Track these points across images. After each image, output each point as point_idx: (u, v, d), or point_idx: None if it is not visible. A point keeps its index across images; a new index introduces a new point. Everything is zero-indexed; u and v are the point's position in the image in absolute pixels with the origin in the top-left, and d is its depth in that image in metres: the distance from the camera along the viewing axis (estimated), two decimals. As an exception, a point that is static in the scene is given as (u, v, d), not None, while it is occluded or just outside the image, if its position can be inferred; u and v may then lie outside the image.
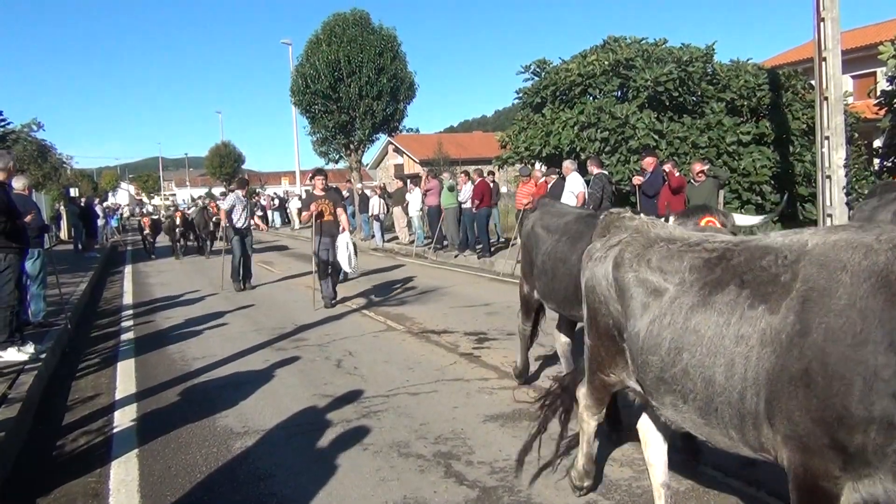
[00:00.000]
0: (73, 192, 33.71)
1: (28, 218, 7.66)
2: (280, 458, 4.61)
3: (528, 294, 5.84)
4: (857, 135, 15.90)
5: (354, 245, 10.76)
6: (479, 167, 18.81)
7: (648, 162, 11.19)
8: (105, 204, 40.04)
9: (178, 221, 21.67)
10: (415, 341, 8.13)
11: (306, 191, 14.58)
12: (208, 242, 21.59)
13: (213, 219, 20.32)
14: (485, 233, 15.88)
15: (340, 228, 10.65)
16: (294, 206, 34.08)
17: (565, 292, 4.90)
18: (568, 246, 4.98)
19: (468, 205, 15.92)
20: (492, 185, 16.76)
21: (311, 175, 11.44)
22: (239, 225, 12.85)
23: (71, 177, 51.07)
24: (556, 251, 5.15)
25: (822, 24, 11.01)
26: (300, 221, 13.29)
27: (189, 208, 26.43)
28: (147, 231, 22.18)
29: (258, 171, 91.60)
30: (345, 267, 10.50)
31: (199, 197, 28.40)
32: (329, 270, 10.59)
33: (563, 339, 5.73)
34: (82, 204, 25.41)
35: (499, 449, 4.64)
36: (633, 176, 11.96)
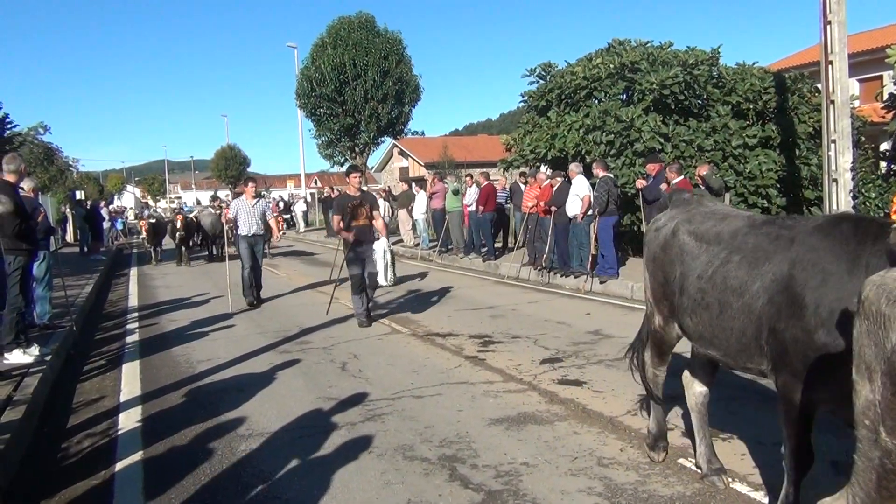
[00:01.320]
0: (79, 194, 33.91)
1: (39, 218, 7.75)
2: (284, 460, 4.60)
3: (665, 329, 4.27)
4: (863, 138, 15.83)
5: (392, 253, 9.55)
6: (485, 170, 18.80)
7: (651, 167, 11.18)
8: (111, 207, 40.10)
9: (178, 225, 19.80)
10: (419, 344, 8.12)
11: (338, 190, 13.37)
12: (217, 249, 20.46)
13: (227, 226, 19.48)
14: (490, 236, 15.87)
15: (376, 234, 9.47)
16: (299, 209, 34.14)
17: (741, 337, 3.51)
18: (745, 269, 3.51)
19: (473, 208, 15.91)
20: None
21: (346, 172, 9.85)
22: (243, 232, 11.32)
23: (77, 179, 51.31)
24: (724, 276, 3.62)
25: (828, 27, 10.98)
26: (335, 226, 10.21)
27: (192, 212, 24.48)
28: (144, 236, 20.88)
29: (263, 173, 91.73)
30: (380, 279, 9.26)
31: (214, 200, 27.63)
32: (364, 284, 9.24)
33: (697, 389, 4.36)
34: (88, 206, 25.50)
35: (504, 452, 4.62)
36: (637, 179, 11.93)
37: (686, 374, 4.45)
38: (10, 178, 7.25)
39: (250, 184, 11.89)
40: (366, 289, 9.29)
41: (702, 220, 3.97)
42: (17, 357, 6.90)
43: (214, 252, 20.88)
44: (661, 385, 4.50)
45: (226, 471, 4.47)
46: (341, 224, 9.28)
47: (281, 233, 12.48)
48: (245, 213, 11.38)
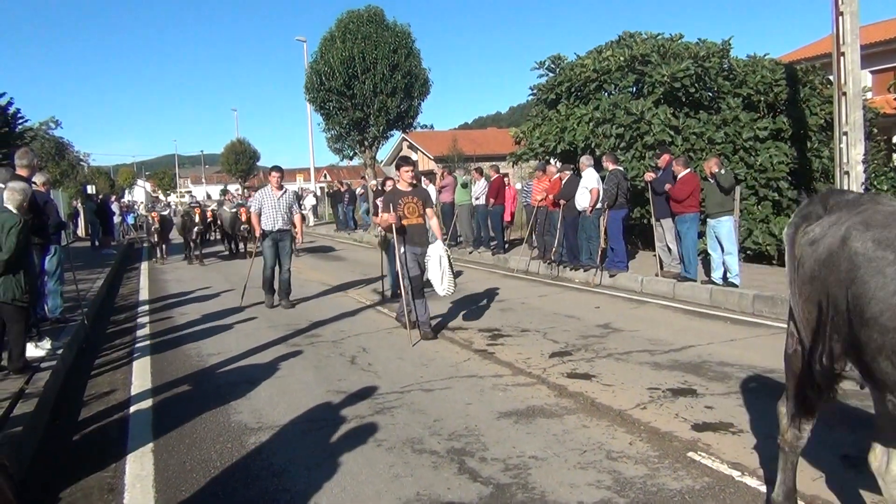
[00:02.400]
0: (90, 189, 34.07)
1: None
2: (294, 453, 4.62)
3: (818, 363, 3.13)
4: (875, 130, 15.72)
5: (450, 259, 8.14)
6: (495, 163, 18.77)
7: (664, 159, 11.14)
8: (122, 201, 40.30)
9: (196, 219, 18.13)
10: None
11: (385, 180, 11.88)
12: (237, 245, 19.76)
13: (243, 225, 17.96)
14: (499, 229, 15.85)
15: (432, 236, 8.33)
16: (309, 202, 34.18)
17: None
18: None
19: (482, 201, 15.89)
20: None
21: (396, 164, 8.59)
22: (267, 227, 10.31)
23: (88, 174, 51.62)
24: None
25: (840, 18, 10.88)
26: (378, 225, 9.63)
27: (210, 206, 22.19)
28: (157, 227, 18.79)
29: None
30: (437, 288, 8.00)
31: (225, 194, 27.03)
32: (421, 287, 8.19)
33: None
34: (99, 201, 25.62)
35: (512, 446, 4.62)
36: (646, 172, 11.89)
37: (877, 450, 3.22)
38: (23, 172, 7.37)
39: (275, 173, 10.61)
40: (415, 295, 8.11)
41: (887, 222, 2.90)
42: (29, 350, 6.95)
43: (234, 248, 19.95)
44: (799, 450, 3.48)
45: (236, 463, 4.49)
46: (389, 219, 8.03)
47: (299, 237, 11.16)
48: (270, 205, 10.33)
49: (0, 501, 3.02)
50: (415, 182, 8.29)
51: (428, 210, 8.26)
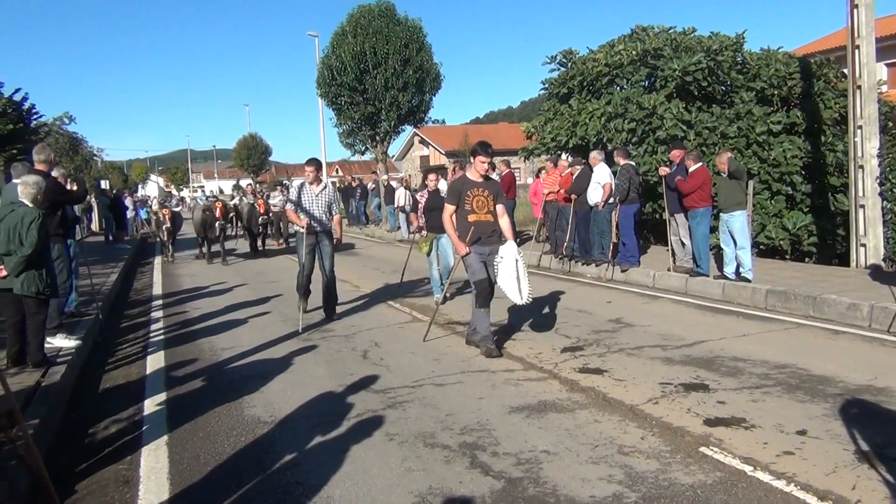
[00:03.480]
0: (104, 184, 34.28)
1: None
2: (307, 446, 4.65)
3: None
4: (890, 124, 15.54)
5: (523, 263, 7.07)
6: (506, 158, 18.76)
7: (676, 154, 11.09)
8: (136, 195, 40.55)
9: (217, 214, 16.44)
10: (440, 332, 8.14)
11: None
12: (256, 241, 18.59)
13: (260, 218, 17.53)
14: (510, 223, 15.79)
15: (501, 236, 7.15)
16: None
17: None
18: None
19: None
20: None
21: (472, 150, 7.32)
22: (306, 227, 8.76)
23: (102, 169, 51.97)
24: None
25: (855, 10, 10.80)
26: (443, 218, 7.25)
27: (234, 200, 19.82)
28: (168, 225, 17.58)
29: (285, 162, 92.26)
30: (513, 296, 6.89)
31: (237, 189, 26.30)
32: (489, 294, 7.07)
33: None
34: (112, 196, 25.77)
35: (524, 440, 4.63)
36: (660, 167, 11.85)
37: None
38: (42, 167, 7.53)
39: (309, 167, 8.96)
40: (480, 303, 7.04)
41: None
42: (60, 341, 7.06)
43: (255, 246, 18.55)
44: None
45: (249, 457, 4.53)
46: (452, 217, 7.03)
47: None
48: (308, 202, 8.87)
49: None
50: (488, 173, 7.18)
51: (498, 206, 7.08)
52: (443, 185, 10.87)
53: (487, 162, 7.03)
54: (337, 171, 65.70)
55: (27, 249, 5.83)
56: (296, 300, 9.20)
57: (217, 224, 16.50)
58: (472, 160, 7.23)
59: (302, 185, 9.11)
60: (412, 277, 12.00)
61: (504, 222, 7.16)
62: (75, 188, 9.54)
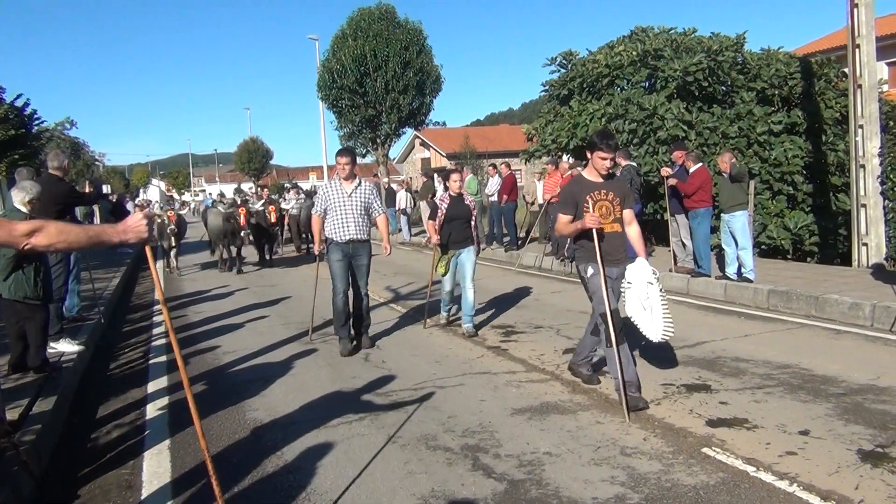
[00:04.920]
0: (106, 188, 34.31)
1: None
2: (308, 450, 4.65)
3: None
4: (892, 123, 15.54)
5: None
6: (507, 160, 18.77)
7: (678, 155, 11.09)
8: (137, 200, 40.60)
9: (241, 221, 14.71)
10: (442, 335, 8.14)
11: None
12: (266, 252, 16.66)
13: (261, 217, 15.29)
14: (512, 226, 15.84)
15: (628, 251, 5.58)
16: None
17: None
18: None
19: (495, 198, 15.90)
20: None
21: (589, 142, 5.56)
22: (336, 236, 7.26)
23: (103, 174, 52.03)
24: None
25: (855, 10, 10.80)
26: (561, 232, 5.68)
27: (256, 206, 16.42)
28: (174, 227, 15.37)
29: (286, 166, 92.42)
30: (646, 330, 5.29)
31: (238, 193, 24.85)
32: (618, 328, 5.23)
33: None
34: (114, 200, 25.78)
35: (526, 442, 4.63)
36: (662, 167, 11.84)
37: None
38: (56, 174, 7.64)
39: (341, 158, 7.32)
40: (617, 339, 5.18)
41: None
42: (64, 346, 7.08)
43: (265, 256, 16.57)
44: None
45: (251, 460, 4.52)
46: (573, 226, 5.43)
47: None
48: (338, 204, 7.28)
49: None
50: (611, 170, 5.57)
51: (626, 212, 5.49)
52: (440, 190, 10.45)
53: (610, 158, 5.42)
54: (589, 152, 65.66)
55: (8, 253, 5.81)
56: (302, 306, 9.06)
57: (242, 233, 14.75)
58: (588, 155, 5.56)
59: (331, 185, 7.48)
60: (413, 280, 11.99)
61: (633, 231, 5.56)
62: (90, 190, 9.76)
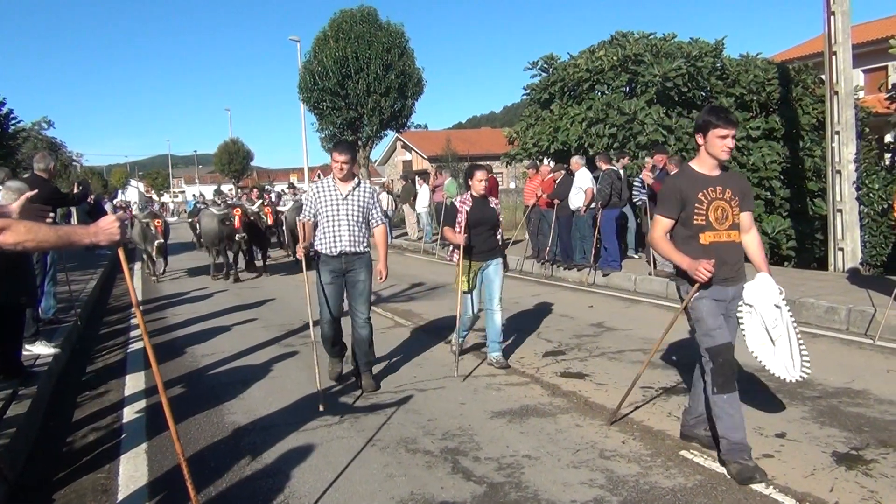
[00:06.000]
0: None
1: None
2: (288, 453, 4.62)
3: None
4: (867, 129, 15.78)
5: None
6: (488, 163, 18.81)
7: (659, 158, 11.19)
8: (115, 201, 40.22)
9: (236, 223, 13.56)
10: (423, 337, 8.13)
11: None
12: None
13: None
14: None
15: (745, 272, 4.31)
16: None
17: None
18: None
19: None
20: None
21: (700, 123, 4.19)
22: (326, 248, 5.90)
23: (81, 174, 51.46)
24: None
25: (832, 17, 10.94)
26: (657, 247, 4.31)
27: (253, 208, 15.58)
28: (160, 241, 13.73)
29: (267, 167, 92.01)
30: (778, 369, 4.25)
31: (219, 195, 24.39)
32: (733, 372, 4.10)
33: None
34: (91, 201, 25.51)
35: (506, 445, 4.64)
36: (644, 171, 11.93)
37: None
38: (42, 175, 7.64)
39: (339, 155, 5.82)
40: (725, 387, 4.05)
41: None
42: (40, 348, 7.00)
43: (260, 261, 15.47)
44: None
45: (229, 464, 4.49)
46: (676, 255, 4.19)
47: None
48: (331, 208, 5.90)
49: None
50: (726, 162, 4.28)
51: (744, 215, 4.25)
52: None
53: (731, 136, 4.08)
54: (319, 176, 65.55)
55: None
56: (284, 309, 9.05)
57: (238, 237, 13.70)
58: (700, 140, 4.20)
59: (322, 184, 6.04)
60: (393, 282, 11.97)
61: (753, 240, 4.33)
62: (78, 189, 9.75)
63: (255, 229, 14.83)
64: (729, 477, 3.97)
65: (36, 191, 7.51)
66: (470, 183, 6.73)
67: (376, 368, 6.52)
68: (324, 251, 5.93)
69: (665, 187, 4.37)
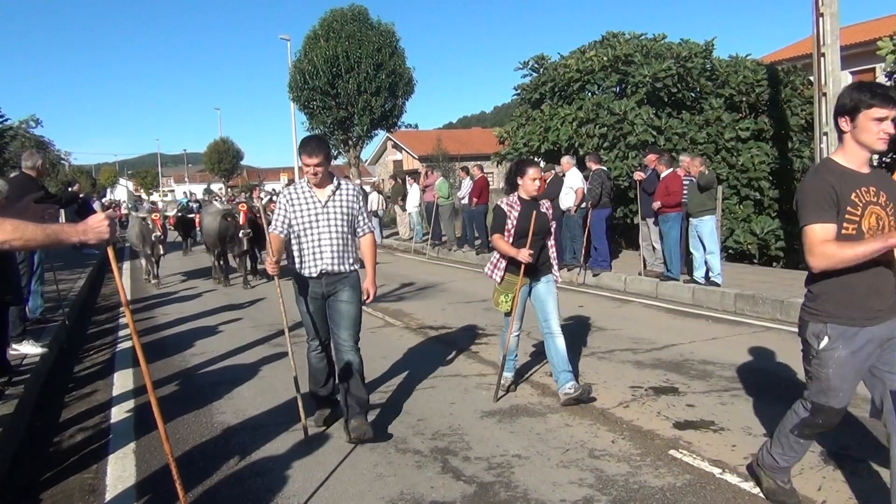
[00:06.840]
0: (73, 188, 33.74)
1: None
2: (277, 453, 4.61)
3: None
4: (855, 130, 15.87)
5: None
6: (479, 163, 18.81)
7: (650, 158, 11.21)
8: (104, 200, 39.99)
9: (241, 220, 12.55)
10: (413, 337, 8.13)
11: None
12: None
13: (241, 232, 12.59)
14: (483, 228, 15.87)
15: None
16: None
17: None
18: None
19: (466, 201, 15.94)
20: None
21: (845, 103, 3.12)
22: (307, 268, 4.86)
23: (69, 173, 51.13)
24: None
25: (820, 19, 11.00)
26: (845, 263, 2.96)
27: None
28: (157, 234, 12.89)
29: (257, 166, 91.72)
30: None
31: (209, 194, 24.00)
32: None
33: None
34: (80, 200, 25.37)
35: (496, 444, 4.64)
36: (635, 171, 11.95)
37: None
38: (30, 173, 7.59)
39: (309, 158, 4.68)
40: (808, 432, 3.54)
41: None
42: (27, 348, 6.95)
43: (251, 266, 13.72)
44: None
45: (219, 464, 4.47)
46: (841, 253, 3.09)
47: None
48: (308, 218, 4.82)
49: None
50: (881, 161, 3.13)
51: None
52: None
53: (890, 116, 3.06)
54: (290, 182, 65.53)
55: None
56: (273, 308, 9.02)
57: (242, 234, 12.56)
58: (845, 125, 3.19)
59: (295, 188, 4.92)
60: (383, 282, 11.95)
61: None
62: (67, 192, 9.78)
63: (258, 228, 12.66)
64: (731, 482, 3.99)
65: (41, 192, 7.59)
66: (519, 182, 5.63)
67: (366, 366, 5.10)
68: (302, 272, 4.86)
69: (810, 185, 3.25)
